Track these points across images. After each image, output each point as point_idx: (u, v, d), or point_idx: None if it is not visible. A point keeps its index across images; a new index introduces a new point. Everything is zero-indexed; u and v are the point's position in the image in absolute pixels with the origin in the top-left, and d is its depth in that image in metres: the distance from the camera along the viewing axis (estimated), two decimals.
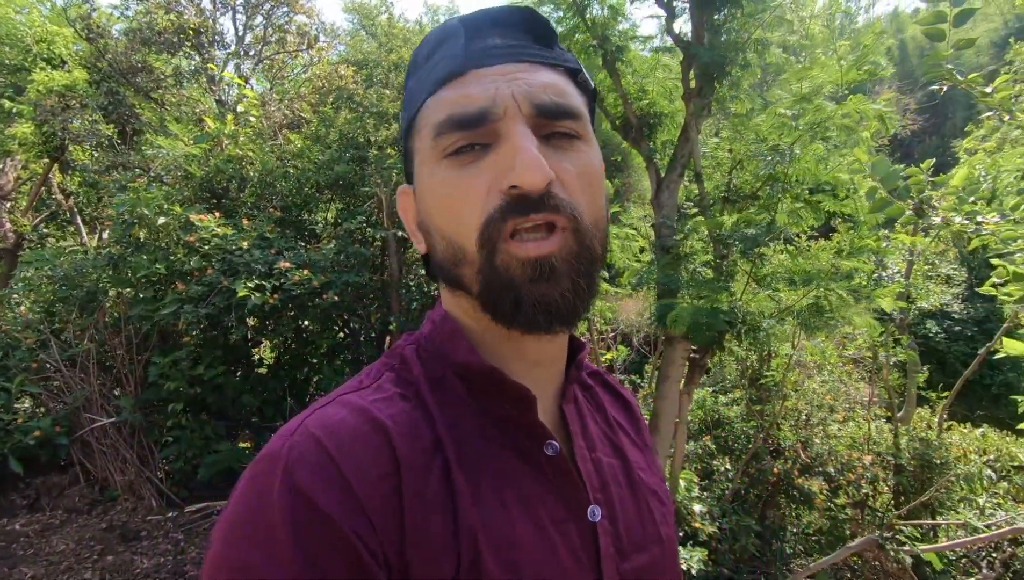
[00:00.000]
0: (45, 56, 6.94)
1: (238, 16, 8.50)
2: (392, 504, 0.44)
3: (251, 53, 8.62)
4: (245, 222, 4.00)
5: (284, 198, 4.73)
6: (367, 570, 0.41)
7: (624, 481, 0.59)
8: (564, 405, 0.59)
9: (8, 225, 6.49)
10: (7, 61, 7.48)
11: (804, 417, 4.56)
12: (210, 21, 7.44)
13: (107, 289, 4.28)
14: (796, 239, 4.15)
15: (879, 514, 4.15)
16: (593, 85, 0.58)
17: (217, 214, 3.98)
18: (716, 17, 3.44)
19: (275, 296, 3.53)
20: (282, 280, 3.60)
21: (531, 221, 0.47)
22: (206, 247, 3.72)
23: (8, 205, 6.65)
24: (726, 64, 3.36)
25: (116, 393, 4.28)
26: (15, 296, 4.91)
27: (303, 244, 4.59)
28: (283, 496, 0.41)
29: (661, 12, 3.55)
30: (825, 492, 4.20)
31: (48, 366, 4.29)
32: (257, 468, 0.45)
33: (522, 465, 0.51)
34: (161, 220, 3.80)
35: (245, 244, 3.74)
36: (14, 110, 6.97)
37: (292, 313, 4.13)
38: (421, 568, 0.43)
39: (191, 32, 6.99)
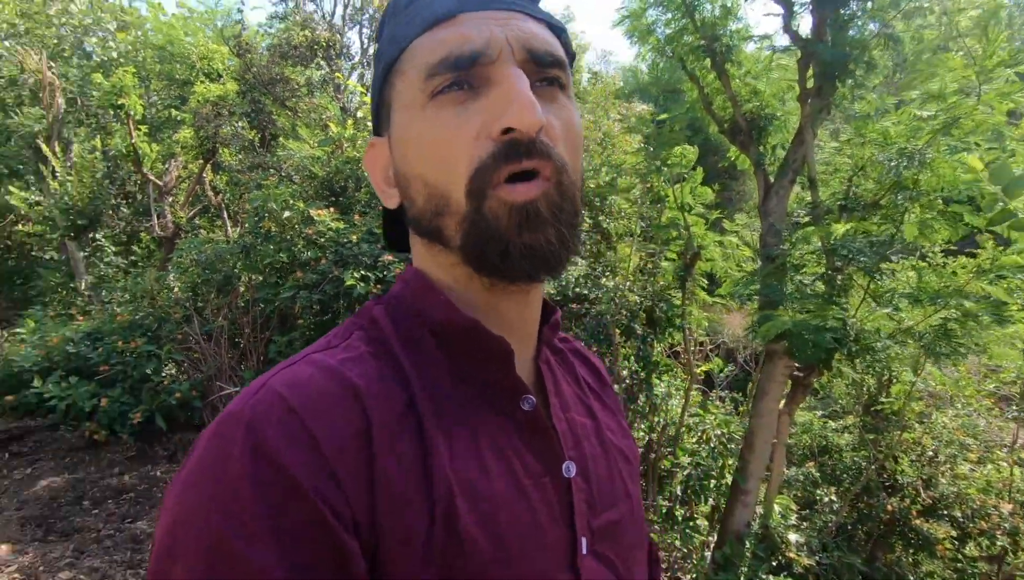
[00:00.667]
0: (206, 71, 7.95)
1: (363, 30, 9.19)
2: (362, 464, 0.42)
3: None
4: (357, 218, 4.32)
5: None
6: (334, 534, 0.38)
7: (595, 440, 0.59)
8: (540, 362, 0.58)
9: (169, 217, 7.49)
10: (177, 76, 8.67)
11: (929, 453, 4.07)
12: (338, 36, 8.12)
13: (240, 274, 4.82)
14: (930, 254, 3.72)
15: (1021, 574, 3.60)
16: (572, 50, 0.57)
17: (332, 210, 4.34)
18: (842, 12, 3.20)
19: (378, 286, 3.77)
20: (384, 272, 3.84)
21: (522, 167, 0.45)
22: (322, 239, 4.07)
23: (170, 200, 7.67)
24: (849, 62, 3.11)
25: (242, 366, 4.80)
26: (171, 277, 5.65)
27: None
28: (245, 456, 0.39)
29: (779, 9, 3.36)
30: (951, 540, 3.72)
31: (190, 338, 4.92)
32: (217, 428, 0.42)
33: (498, 419, 0.50)
34: (286, 214, 4.21)
35: (355, 238, 4.04)
36: (179, 118, 8.06)
37: None
38: (392, 524, 0.41)
39: (322, 46, 7.68)
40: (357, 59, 8.92)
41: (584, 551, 0.51)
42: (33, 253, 9.79)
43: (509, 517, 0.46)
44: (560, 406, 0.57)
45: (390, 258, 3.89)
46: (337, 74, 8.16)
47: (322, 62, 8.00)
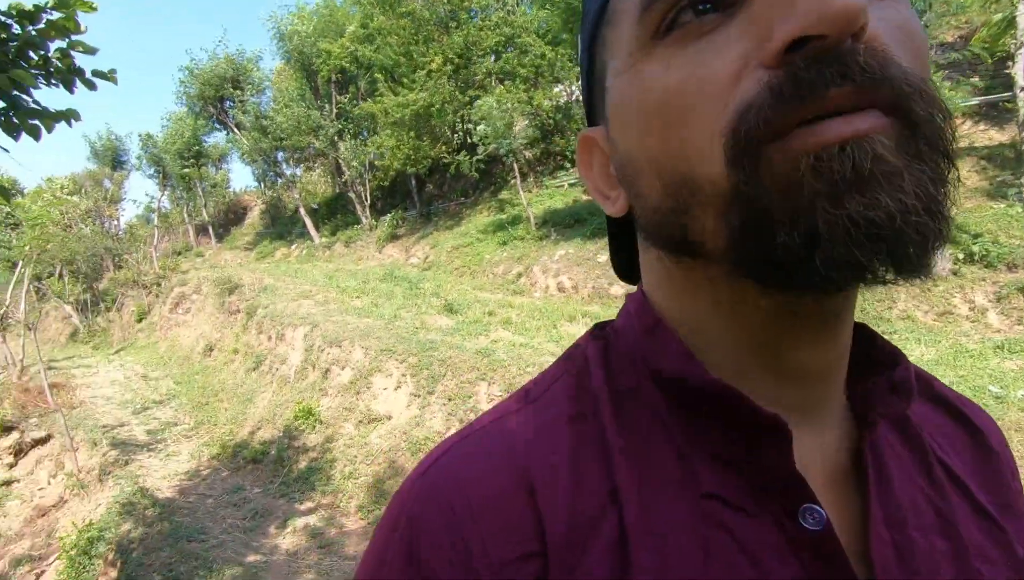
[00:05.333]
0: None
1: None
2: None
3: None
4: None
5: None
6: None
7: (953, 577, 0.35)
8: (855, 440, 0.37)
9: None
10: None
11: None
12: None
13: None
14: None
15: None
16: None
17: None
18: None
19: None
20: None
21: (833, 98, 0.26)
22: None
23: None
24: None
25: None
26: None
27: None
28: (399, 560, 0.34)
29: None
30: None
31: None
32: (387, 516, 0.37)
33: (753, 530, 0.33)
34: None
35: None
36: None
37: None
38: None
39: None
40: None
41: None
42: None
43: None
44: (886, 518, 0.35)
45: None
46: None
47: None
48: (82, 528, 5.64)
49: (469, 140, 14.23)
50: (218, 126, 23.20)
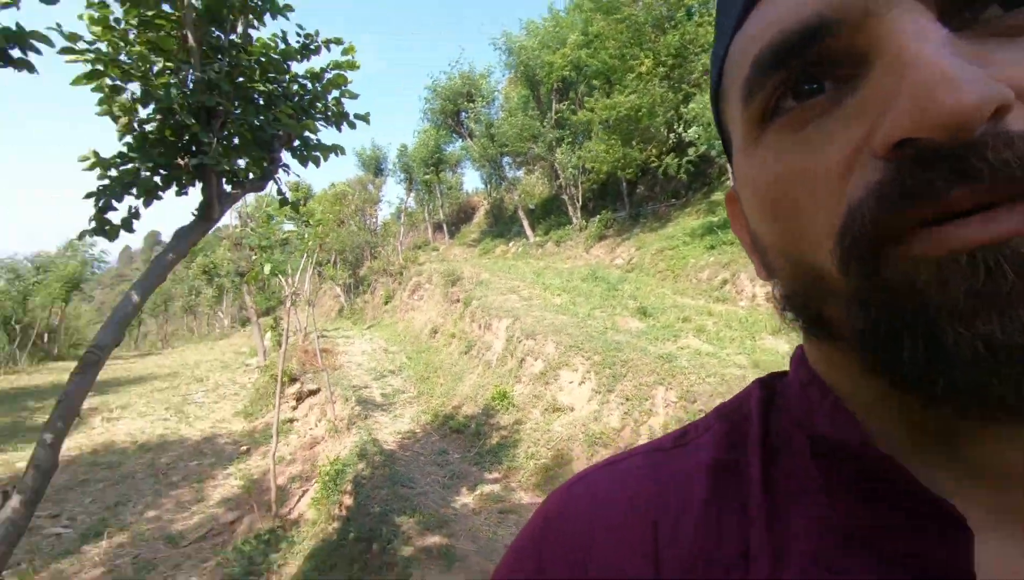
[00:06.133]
0: None
1: None
2: None
3: None
4: None
5: None
6: None
7: None
8: None
9: None
10: None
11: None
12: None
13: None
14: None
15: None
16: None
17: None
18: None
19: None
20: None
21: (954, 200, 0.23)
22: None
23: None
24: None
25: None
26: None
27: None
28: (529, 558, 0.38)
29: None
30: None
31: None
32: (533, 515, 0.41)
33: None
34: None
35: None
36: None
37: None
38: None
39: None
40: None
41: None
42: None
43: None
44: None
45: None
46: None
47: None
48: (333, 462, 7.28)
49: (681, 141, 13.93)
50: (454, 136, 26.41)
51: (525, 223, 21.80)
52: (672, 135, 14.81)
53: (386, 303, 21.09)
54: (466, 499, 6.15)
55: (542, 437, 7.13)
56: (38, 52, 2.37)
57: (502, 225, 25.91)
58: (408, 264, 22.27)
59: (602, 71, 16.38)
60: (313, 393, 11.21)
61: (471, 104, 23.96)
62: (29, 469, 2.62)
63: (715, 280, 10.47)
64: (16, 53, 2.33)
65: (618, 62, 15.19)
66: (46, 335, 27.15)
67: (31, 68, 2.35)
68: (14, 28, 2.28)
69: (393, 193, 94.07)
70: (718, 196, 14.55)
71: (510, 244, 22.64)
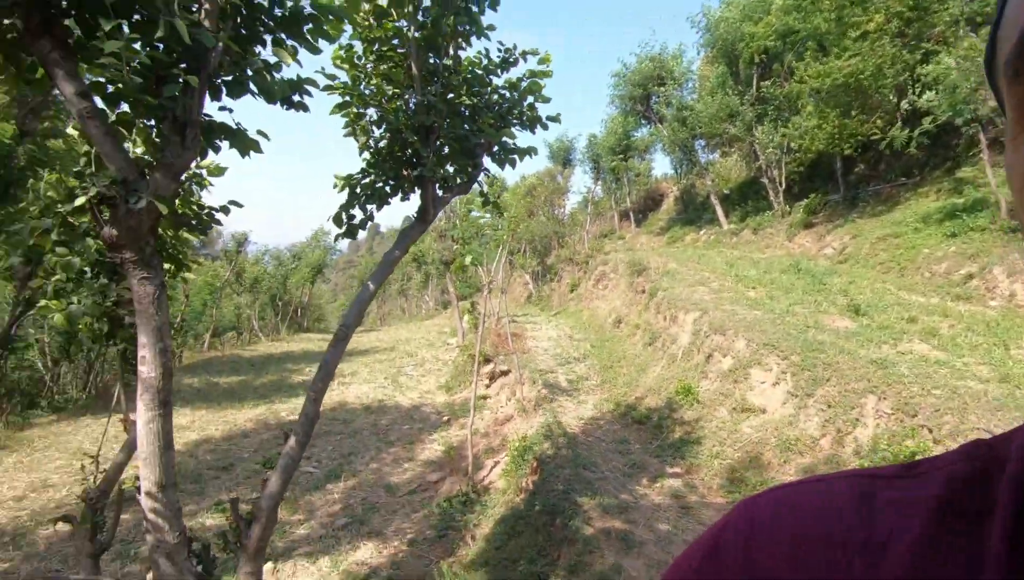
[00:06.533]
0: None
1: None
2: None
3: None
4: None
5: None
6: None
7: None
8: None
9: None
10: None
11: None
12: None
13: None
14: None
15: None
16: None
17: None
18: None
19: None
20: None
21: None
22: None
23: None
24: None
25: None
26: None
27: None
28: (736, 551, 0.38)
29: None
30: None
31: None
32: (729, 515, 0.41)
33: None
34: None
35: None
36: None
37: None
38: None
39: None
40: None
41: None
42: None
43: None
44: None
45: None
46: None
47: None
48: (521, 438, 7.87)
49: (916, 110, 11.81)
50: (643, 121, 25.81)
51: (718, 209, 20.56)
52: (905, 102, 12.64)
53: (571, 291, 21.73)
54: (646, 490, 6.19)
55: (728, 437, 6.83)
56: (310, 95, 3.04)
57: (692, 212, 24.77)
58: (594, 253, 22.57)
59: (814, 36, 14.60)
60: (504, 373, 12.12)
61: (661, 88, 23.18)
62: (301, 417, 3.40)
63: (956, 274, 8.82)
64: (296, 97, 3.02)
65: (835, 24, 13.40)
66: (299, 310, 33.26)
67: (306, 108, 3.02)
68: (295, 78, 2.95)
69: (580, 182, 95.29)
70: (967, 173, 12.07)
71: (700, 232, 21.64)
